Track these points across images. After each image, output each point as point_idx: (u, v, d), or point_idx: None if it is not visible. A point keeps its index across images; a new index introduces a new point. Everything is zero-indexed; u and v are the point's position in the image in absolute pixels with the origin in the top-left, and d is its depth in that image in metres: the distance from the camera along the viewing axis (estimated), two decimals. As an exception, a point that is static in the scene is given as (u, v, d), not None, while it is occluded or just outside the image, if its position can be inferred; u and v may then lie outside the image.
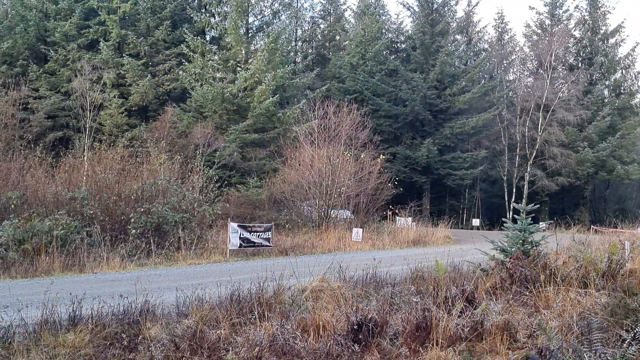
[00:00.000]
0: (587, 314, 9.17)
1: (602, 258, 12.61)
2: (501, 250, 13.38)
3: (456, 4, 59.90)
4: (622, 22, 58.89)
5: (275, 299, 10.41)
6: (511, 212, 48.87)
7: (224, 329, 8.54)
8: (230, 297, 10.09)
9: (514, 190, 54.47)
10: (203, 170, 28.52)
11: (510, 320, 8.81)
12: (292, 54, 55.47)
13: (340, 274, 12.70)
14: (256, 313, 9.20)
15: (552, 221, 34.04)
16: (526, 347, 8.32)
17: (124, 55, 43.12)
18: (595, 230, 38.32)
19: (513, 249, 13.04)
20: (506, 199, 54.86)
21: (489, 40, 65.21)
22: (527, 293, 10.92)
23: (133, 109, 43.26)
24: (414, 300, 9.81)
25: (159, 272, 16.87)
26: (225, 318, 8.96)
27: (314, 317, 8.90)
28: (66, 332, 8.33)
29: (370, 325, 8.47)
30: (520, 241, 13.16)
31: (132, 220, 21.08)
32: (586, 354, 7.15)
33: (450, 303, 9.56)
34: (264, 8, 46.57)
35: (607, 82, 58.96)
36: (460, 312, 9.28)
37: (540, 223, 34.89)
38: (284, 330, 8.21)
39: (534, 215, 13.87)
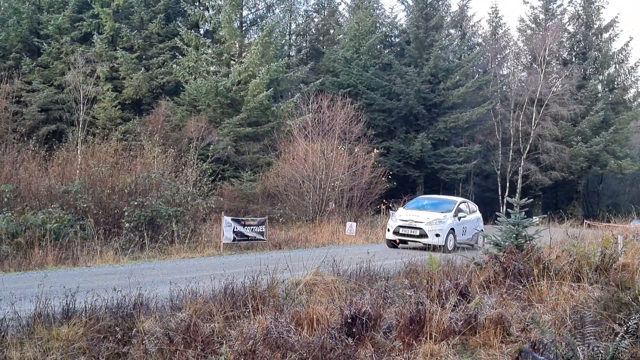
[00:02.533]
0: (580, 307, 9.20)
1: (595, 252, 12.67)
2: (495, 244, 13.41)
3: (450, -2, 60.17)
4: (616, 17, 58.99)
5: (269, 292, 10.43)
6: (504, 206, 48.98)
7: (218, 323, 8.55)
8: (224, 290, 10.09)
9: (508, 184, 54.52)
10: (197, 164, 28.50)
11: (504, 314, 8.84)
12: (286, 47, 55.30)
13: (334, 267, 12.71)
14: (250, 306, 9.21)
15: (545, 215, 34.05)
16: (520, 340, 8.35)
17: (117, 48, 42.95)
18: (589, 224, 38.42)
19: (506, 243, 13.07)
20: (500, 193, 54.90)
21: (483, 35, 65.30)
22: (521, 287, 10.96)
23: (127, 102, 43.14)
24: (408, 294, 9.83)
25: (153, 266, 16.85)
26: (219, 311, 8.97)
27: (307, 310, 8.91)
28: (60, 326, 8.31)
29: (364, 319, 8.49)
30: (514, 235, 13.19)
31: (126, 213, 21.07)
32: (579, 348, 7.17)
33: (444, 297, 9.59)
34: (257, 1, 46.59)
35: (600, 77, 59.11)
36: (454, 306, 9.31)
37: (534, 217, 34.97)
38: (277, 323, 8.22)
39: (527, 209, 13.90)
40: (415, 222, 22.90)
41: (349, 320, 8.42)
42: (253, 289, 10.03)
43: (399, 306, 9.34)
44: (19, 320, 8.40)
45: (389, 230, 23.88)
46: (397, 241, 23.32)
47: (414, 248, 22.14)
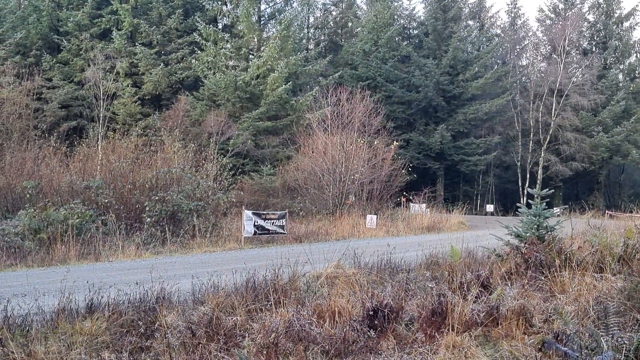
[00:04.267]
0: (604, 298, 9.13)
1: (617, 242, 12.55)
2: (516, 235, 13.33)
3: (468, -11, 59.78)
4: (637, 5, 58.71)
5: (290, 285, 10.43)
6: (525, 198, 48.77)
7: (240, 316, 8.57)
8: (246, 284, 10.12)
9: (528, 175, 54.29)
10: (217, 159, 28.56)
11: (526, 305, 8.78)
12: (304, 41, 55.40)
13: (354, 260, 12.70)
14: (272, 299, 9.22)
15: (566, 206, 33.85)
16: (542, 331, 8.30)
17: (136, 44, 43.18)
18: (610, 215, 38.16)
19: (528, 234, 12.98)
20: (520, 184, 54.68)
21: (502, 26, 64.99)
22: (543, 278, 10.88)
23: (146, 97, 43.37)
24: (430, 285, 9.80)
25: (175, 260, 16.93)
26: (241, 305, 8.99)
27: (329, 303, 8.91)
28: (83, 320, 8.36)
29: (386, 311, 8.47)
30: (535, 226, 13.10)
31: (147, 208, 21.17)
32: (603, 338, 7.13)
33: (465, 288, 9.55)
34: (275, -5, 46.60)
35: (621, 66, 58.67)
36: (476, 297, 9.27)
37: (555, 208, 34.78)
38: (299, 316, 8.22)
39: (548, 200, 13.81)
40: None
41: (371, 313, 8.40)
42: (274, 282, 10.05)
43: (421, 298, 9.30)
44: (43, 315, 8.47)
45: None
46: None
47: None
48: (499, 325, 8.47)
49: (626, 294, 8.91)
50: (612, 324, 7.39)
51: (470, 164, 52.63)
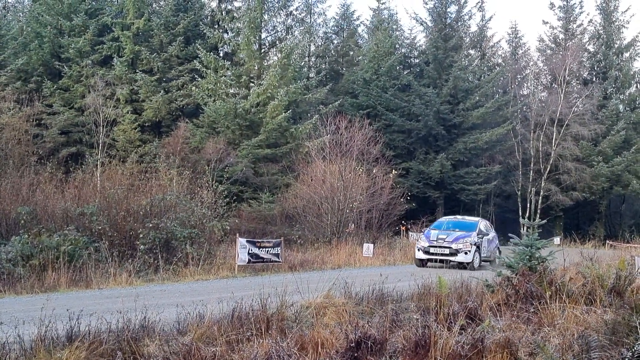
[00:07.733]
0: (591, 331, 9.02)
1: (610, 274, 12.47)
2: (508, 266, 13.25)
3: (469, 19, 59.50)
4: (637, 36, 58.44)
5: (277, 315, 10.32)
6: (525, 227, 48.57)
7: (221, 347, 8.45)
8: (231, 314, 10.02)
9: (528, 205, 54.11)
10: (213, 186, 28.47)
11: (511, 337, 8.67)
12: (305, 69, 55.40)
13: (345, 289, 12.60)
14: (254, 330, 9.12)
15: (560, 236, 33.70)
16: (527, 365, 8.20)
17: (137, 71, 43.26)
18: (611, 245, 38.08)
19: (520, 265, 12.91)
20: (520, 214, 54.41)
21: (503, 55, 64.97)
22: (532, 310, 10.79)
23: (146, 124, 43.42)
24: (415, 317, 9.69)
25: (165, 288, 16.82)
26: (222, 335, 8.88)
27: (312, 334, 8.80)
28: (62, 349, 8.26)
29: (369, 343, 8.36)
30: (527, 257, 13.02)
31: (141, 235, 21.04)
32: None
33: (452, 320, 9.45)
34: (276, 24, 46.74)
35: (621, 97, 58.62)
36: (463, 329, 9.16)
37: (556, 237, 34.60)
38: (279, 348, 8.10)
39: (543, 230, 13.73)
40: None
41: (353, 345, 8.29)
42: (259, 312, 9.94)
43: (407, 330, 9.20)
44: (22, 344, 8.36)
45: None
46: None
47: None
48: (484, 358, 8.35)
49: (611, 328, 8.80)
50: (594, 358, 7.28)
51: (470, 193, 52.40)
